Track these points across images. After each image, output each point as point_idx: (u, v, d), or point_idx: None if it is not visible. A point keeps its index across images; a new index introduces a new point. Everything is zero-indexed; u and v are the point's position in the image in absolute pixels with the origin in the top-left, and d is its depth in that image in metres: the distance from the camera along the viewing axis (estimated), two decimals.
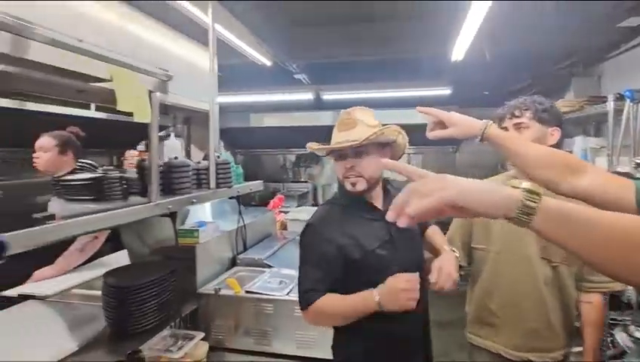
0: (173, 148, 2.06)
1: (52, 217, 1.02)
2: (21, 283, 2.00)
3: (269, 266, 2.16)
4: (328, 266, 1.31)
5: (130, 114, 1.25)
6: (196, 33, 2.37)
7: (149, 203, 1.40)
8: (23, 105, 2.14)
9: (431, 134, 1.21)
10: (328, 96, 5.12)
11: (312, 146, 1.43)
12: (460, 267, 1.57)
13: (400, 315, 1.21)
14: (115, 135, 4.83)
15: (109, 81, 1.36)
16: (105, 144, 5.03)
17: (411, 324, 1.34)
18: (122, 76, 1.23)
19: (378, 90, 4.82)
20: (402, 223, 0.66)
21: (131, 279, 1.51)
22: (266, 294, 1.75)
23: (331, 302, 1.28)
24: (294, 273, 2.01)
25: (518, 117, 1.52)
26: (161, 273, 1.57)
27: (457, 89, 4.75)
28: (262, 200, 4.84)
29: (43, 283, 2.05)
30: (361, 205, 1.39)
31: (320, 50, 3.64)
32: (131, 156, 4.00)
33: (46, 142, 2.44)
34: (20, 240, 0.91)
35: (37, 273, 2.08)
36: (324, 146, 1.41)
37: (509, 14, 2.62)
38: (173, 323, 1.63)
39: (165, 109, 2.74)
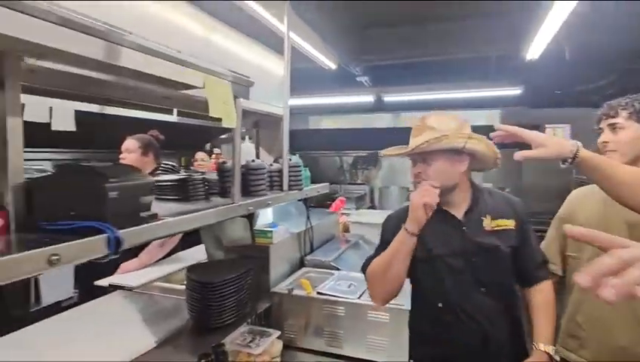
0: (247, 151, 2.14)
1: (155, 216, 1.11)
2: (110, 275, 2.19)
3: (337, 268, 2.18)
4: None
5: (218, 119, 1.32)
6: (263, 35, 2.46)
7: (232, 204, 1.46)
8: (115, 111, 2.34)
9: (519, 155, 1.14)
10: (390, 98, 5.07)
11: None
12: (555, 275, 1.54)
13: (467, 321, 1.29)
14: (183, 137, 5.13)
15: (194, 87, 1.45)
16: (173, 145, 5.37)
17: (481, 332, 1.31)
18: (214, 84, 1.30)
19: (441, 92, 4.69)
20: (606, 295, 0.46)
21: (213, 276, 1.59)
22: (337, 296, 1.77)
23: (379, 257, 1.37)
24: (363, 276, 2.02)
25: (613, 117, 1.41)
26: (240, 271, 1.64)
27: (528, 89, 4.50)
28: (318, 202, 4.89)
29: (128, 275, 2.22)
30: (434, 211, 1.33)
31: (387, 51, 3.61)
32: (201, 158, 4.22)
33: (130, 145, 2.66)
34: (131, 237, 0.99)
35: (123, 265, 2.26)
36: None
37: (591, 11, 2.45)
38: (249, 320, 1.69)
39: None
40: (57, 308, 2.54)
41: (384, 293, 1.38)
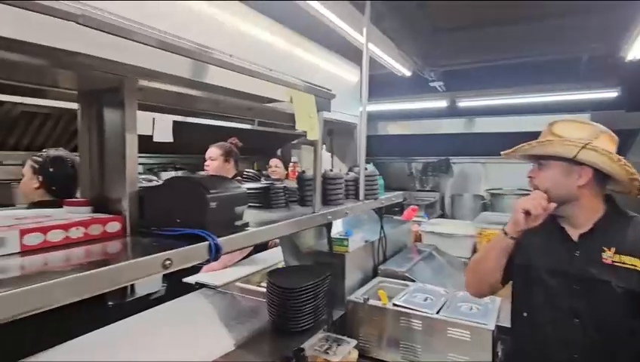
0: (324, 160, 2.19)
1: (247, 224, 1.18)
2: (196, 273, 2.36)
3: (411, 280, 2.14)
4: None
5: (304, 132, 1.37)
6: (336, 44, 2.50)
7: (313, 213, 1.51)
8: (201, 121, 2.52)
9: None
10: (464, 103, 4.88)
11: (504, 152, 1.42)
12: None
13: (551, 345, 1.24)
14: (257, 143, 5.37)
15: (277, 101, 1.52)
16: (247, 151, 5.65)
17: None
18: (300, 98, 1.36)
19: (522, 95, 4.42)
20: None
21: (293, 281, 1.65)
22: (414, 309, 1.74)
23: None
24: (440, 290, 1.97)
25: None
26: (318, 277, 1.68)
27: (625, 91, 4.07)
28: (386, 209, 4.84)
29: (212, 274, 2.38)
30: (547, 222, 1.25)
31: (465, 55, 3.50)
32: (274, 165, 4.37)
33: (213, 153, 2.85)
34: (227, 244, 1.07)
35: (207, 265, 2.43)
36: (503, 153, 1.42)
37: None
38: (325, 326, 1.73)
39: None
40: (147, 300, 2.79)
41: (474, 284, 1.45)
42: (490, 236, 2.75)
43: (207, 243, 1.00)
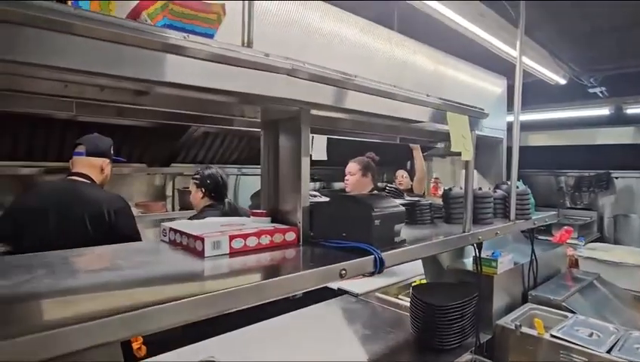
0: None
1: (404, 241, 1.26)
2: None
3: (569, 310, 1.94)
4: None
5: (457, 153, 1.39)
6: (478, 55, 2.41)
7: (464, 233, 1.51)
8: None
9: None
10: (633, 109, 4.18)
11: None
12: None
13: None
14: (386, 155, 5.45)
15: (423, 122, 1.56)
16: (376, 162, 5.78)
17: None
18: (455, 120, 1.39)
19: None
20: None
21: (440, 298, 1.66)
22: (579, 345, 1.58)
23: None
24: (608, 326, 1.74)
25: None
26: (466, 297, 1.66)
27: None
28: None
29: (353, 281, 2.51)
30: None
31: (632, 56, 3.03)
32: (401, 175, 4.39)
33: (352, 168, 3.02)
34: (388, 259, 1.16)
35: None
36: None
37: None
38: (472, 348, 1.69)
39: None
40: (290, 299, 3.07)
41: None
42: None
43: (373, 256, 1.10)
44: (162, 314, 0.70)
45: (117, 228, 2.01)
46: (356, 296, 2.31)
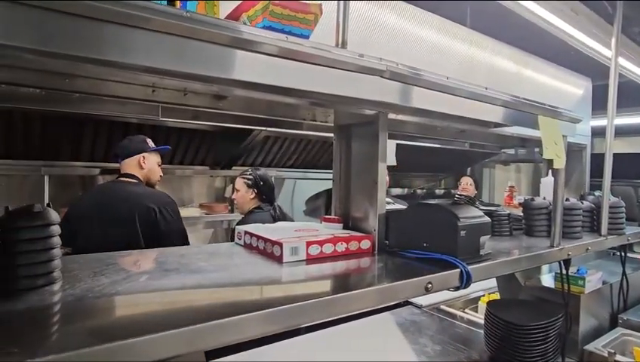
0: (550, 185, 1.98)
1: (490, 254, 1.17)
2: None
3: None
4: None
5: (550, 161, 1.28)
6: (561, 53, 2.22)
7: (552, 246, 1.38)
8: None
9: None
10: None
11: None
12: None
13: None
14: (445, 162, 5.25)
15: (503, 126, 1.45)
16: (435, 169, 5.59)
17: None
18: (547, 124, 1.27)
19: None
20: None
21: (521, 317, 1.53)
22: None
23: None
24: None
25: None
26: (550, 317, 1.52)
27: None
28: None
29: None
30: None
31: None
32: (465, 182, 4.21)
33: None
34: (475, 273, 1.07)
35: None
36: None
37: None
38: None
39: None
40: None
41: None
42: None
43: (459, 270, 1.03)
44: (251, 323, 0.68)
45: (162, 223, 2.02)
46: (420, 307, 2.21)
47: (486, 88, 1.13)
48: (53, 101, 1.50)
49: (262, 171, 2.56)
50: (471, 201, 2.06)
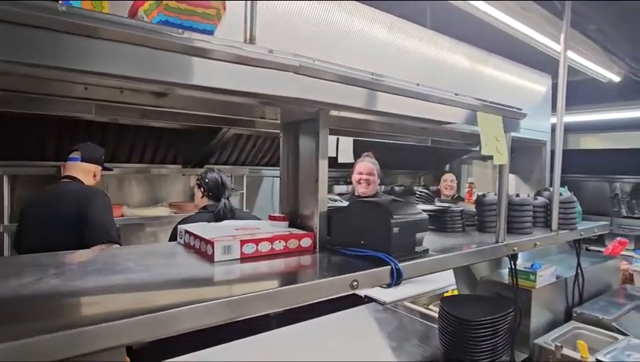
0: (512, 181, 2.00)
1: (427, 251, 1.17)
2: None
3: (621, 332, 1.75)
4: None
5: (489, 157, 1.28)
6: (522, 53, 2.24)
7: (497, 243, 1.39)
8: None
9: None
10: None
11: None
12: None
13: None
14: (424, 159, 5.27)
15: (454, 123, 1.45)
16: (414, 166, 5.62)
17: None
18: (486, 120, 1.28)
19: None
20: None
21: (470, 312, 1.54)
22: None
23: None
24: None
25: None
26: (500, 312, 1.53)
27: None
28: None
29: (378, 289, 2.42)
30: None
31: None
32: (450, 180, 4.20)
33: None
34: (408, 270, 1.07)
35: None
36: None
37: None
38: None
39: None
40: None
41: None
42: None
43: (389, 267, 1.03)
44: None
45: (87, 216, 2.03)
46: (383, 304, 2.22)
47: (417, 85, 1.12)
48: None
49: (214, 171, 2.54)
50: (429, 198, 2.07)
